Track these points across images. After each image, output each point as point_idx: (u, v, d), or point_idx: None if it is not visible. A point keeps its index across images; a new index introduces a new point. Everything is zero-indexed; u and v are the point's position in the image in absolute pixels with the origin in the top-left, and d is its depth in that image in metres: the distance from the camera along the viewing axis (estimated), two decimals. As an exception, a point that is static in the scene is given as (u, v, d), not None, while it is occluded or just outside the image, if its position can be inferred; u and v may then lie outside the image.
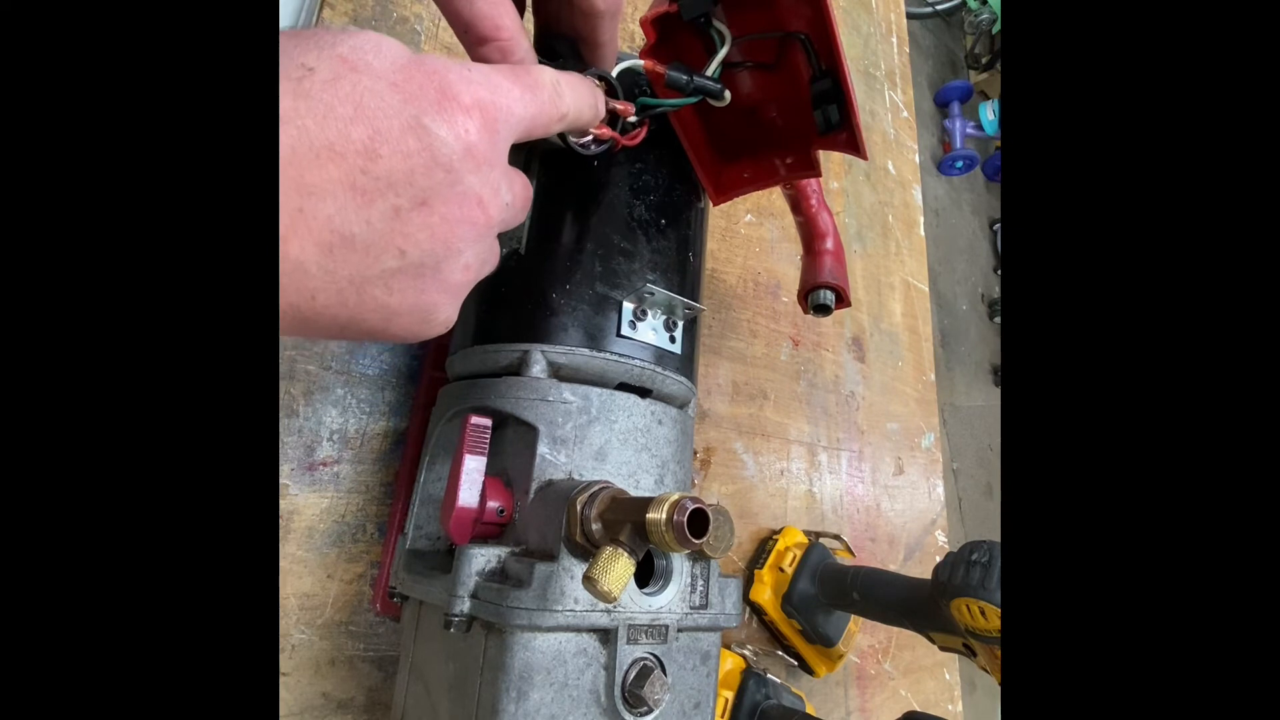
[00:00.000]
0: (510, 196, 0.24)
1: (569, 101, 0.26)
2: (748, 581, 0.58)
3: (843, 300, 0.47)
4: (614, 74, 0.32)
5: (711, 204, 0.41)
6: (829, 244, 0.47)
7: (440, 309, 0.23)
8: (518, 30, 0.27)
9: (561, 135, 0.30)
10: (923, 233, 0.91)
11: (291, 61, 0.19)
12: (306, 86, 0.19)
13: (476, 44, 0.27)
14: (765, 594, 0.57)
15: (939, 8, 2.85)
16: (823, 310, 0.47)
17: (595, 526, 0.27)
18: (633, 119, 0.32)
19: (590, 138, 0.31)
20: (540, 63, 0.28)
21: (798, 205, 0.48)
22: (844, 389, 0.72)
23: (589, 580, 0.25)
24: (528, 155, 0.35)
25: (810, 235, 0.48)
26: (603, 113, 0.30)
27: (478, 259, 0.24)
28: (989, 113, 2.73)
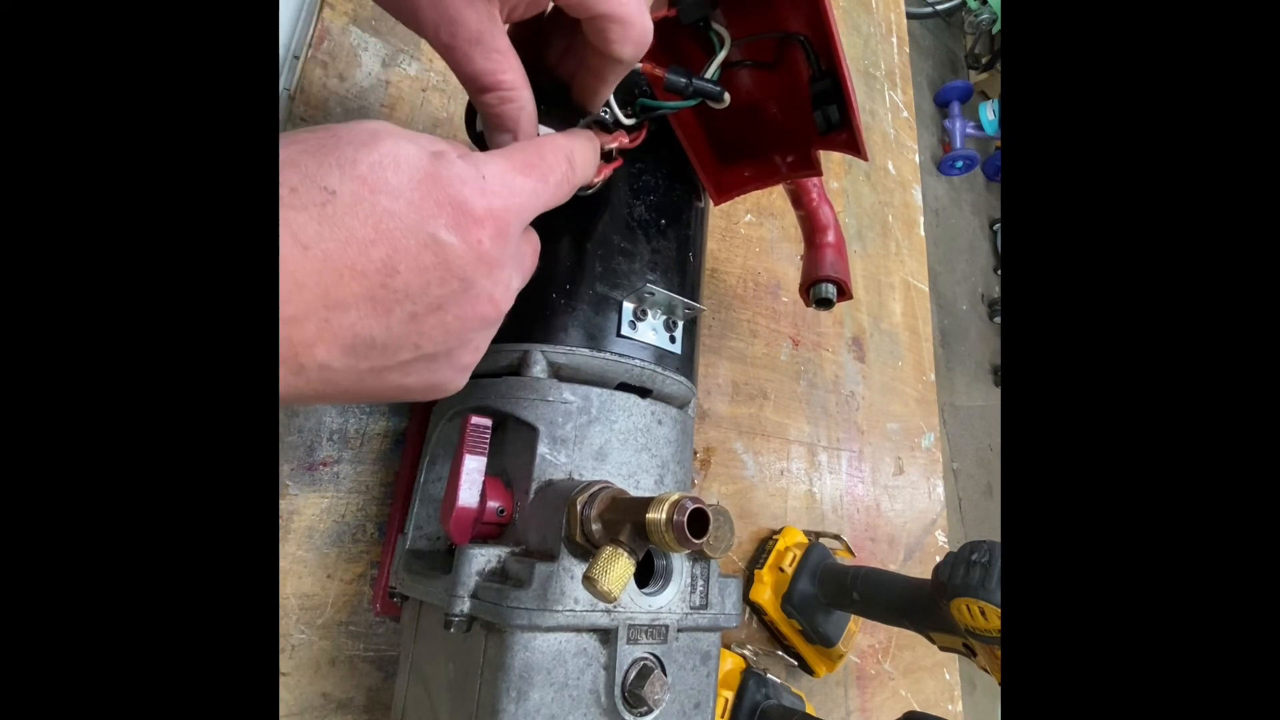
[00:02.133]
0: (520, 280, 0.26)
1: (580, 173, 0.28)
2: (748, 581, 0.58)
3: (844, 293, 0.47)
4: None
5: (712, 204, 0.41)
6: (830, 237, 0.47)
7: (452, 382, 0.26)
8: (520, 81, 0.28)
9: None
10: (923, 233, 0.91)
11: (314, 185, 0.20)
12: (330, 212, 0.20)
13: (478, 93, 0.28)
14: (765, 594, 0.57)
15: (939, 8, 2.85)
16: (825, 304, 0.47)
17: (595, 526, 0.27)
18: (632, 121, 0.32)
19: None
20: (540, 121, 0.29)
21: (799, 200, 0.48)
22: (844, 389, 0.72)
23: (589, 580, 0.25)
24: None
25: (811, 229, 0.48)
26: (598, 160, 0.30)
27: (488, 339, 0.26)
28: (989, 113, 2.73)
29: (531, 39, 0.31)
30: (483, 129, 0.29)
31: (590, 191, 0.32)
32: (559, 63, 0.32)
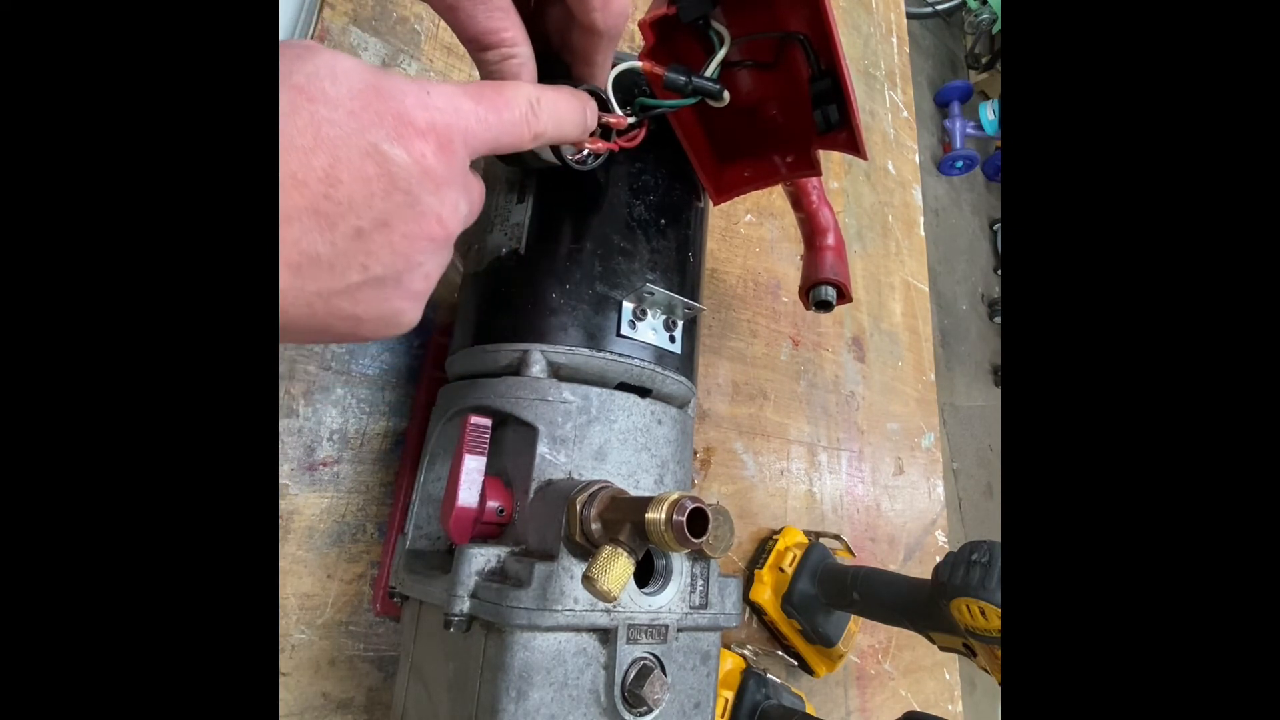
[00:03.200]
0: (467, 208, 0.25)
1: (546, 120, 0.27)
2: (748, 581, 0.58)
3: (844, 296, 0.47)
4: (613, 75, 0.32)
5: (712, 203, 0.41)
6: (830, 240, 0.47)
7: (404, 314, 0.25)
8: (521, 38, 0.28)
9: (557, 152, 0.30)
10: (923, 233, 0.91)
11: None
12: None
13: (480, 52, 0.28)
14: (765, 594, 0.57)
15: (939, 8, 2.85)
16: (824, 306, 0.47)
17: (595, 526, 0.27)
18: (631, 121, 0.32)
19: (585, 152, 0.31)
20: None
21: (798, 202, 0.48)
22: (844, 389, 0.72)
23: (588, 580, 0.25)
24: (523, 174, 0.35)
25: (811, 231, 0.48)
26: (593, 125, 0.30)
27: (438, 267, 0.25)
28: (989, 113, 2.73)
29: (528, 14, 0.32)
30: None
31: (585, 168, 0.32)
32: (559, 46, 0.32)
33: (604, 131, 0.32)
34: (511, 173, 0.36)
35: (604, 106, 0.32)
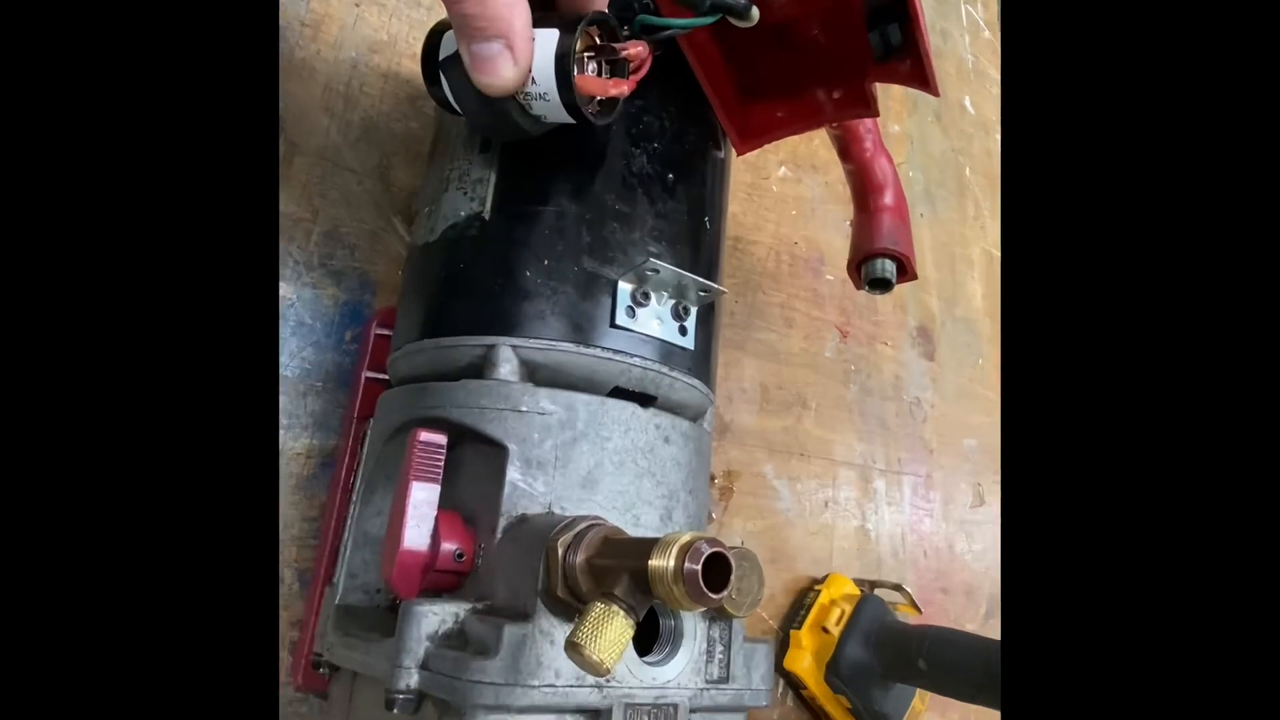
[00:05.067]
0: None
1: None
2: (781, 646, 0.58)
3: (906, 272, 0.47)
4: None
5: (735, 153, 0.41)
6: (888, 199, 0.47)
7: None
8: (526, 30, 0.29)
9: (571, 107, 0.30)
10: (1010, 191, 0.91)
11: None
12: None
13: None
14: (804, 662, 0.57)
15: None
16: (881, 285, 0.47)
17: (582, 577, 0.27)
18: (639, 49, 0.32)
19: (597, 100, 0.31)
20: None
21: (847, 150, 0.48)
22: (907, 395, 0.72)
23: (574, 647, 0.25)
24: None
25: (864, 189, 0.48)
26: None
27: None
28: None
29: None
30: (458, 44, 0.29)
31: (606, 120, 0.32)
32: None
33: (616, 67, 0.32)
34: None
35: (613, 36, 0.32)
